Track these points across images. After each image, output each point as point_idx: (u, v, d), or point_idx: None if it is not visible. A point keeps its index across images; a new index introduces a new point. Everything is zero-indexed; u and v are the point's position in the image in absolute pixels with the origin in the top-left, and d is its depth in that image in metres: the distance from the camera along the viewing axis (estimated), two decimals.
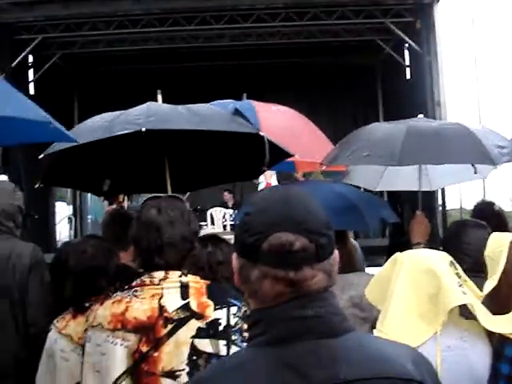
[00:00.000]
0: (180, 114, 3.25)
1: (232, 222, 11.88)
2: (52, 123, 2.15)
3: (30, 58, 12.49)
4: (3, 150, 11.54)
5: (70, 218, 14.88)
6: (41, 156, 3.62)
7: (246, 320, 1.30)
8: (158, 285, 2.11)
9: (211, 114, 3.48)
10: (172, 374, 2.01)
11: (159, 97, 3.79)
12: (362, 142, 3.57)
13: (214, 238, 3.06)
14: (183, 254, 2.20)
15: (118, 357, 2.04)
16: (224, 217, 11.82)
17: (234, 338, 2.03)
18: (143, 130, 3.01)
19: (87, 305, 2.67)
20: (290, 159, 4.47)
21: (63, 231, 14.57)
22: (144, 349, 2.03)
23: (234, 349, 2.00)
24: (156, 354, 2.02)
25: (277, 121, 4.40)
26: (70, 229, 14.50)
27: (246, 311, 2.08)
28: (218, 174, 4.46)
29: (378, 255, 6.42)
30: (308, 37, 13.09)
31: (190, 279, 2.14)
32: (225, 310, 2.07)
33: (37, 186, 4.05)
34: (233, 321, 2.06)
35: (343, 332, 1.22)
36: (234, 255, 1.30)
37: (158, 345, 2.02)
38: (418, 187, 3.91)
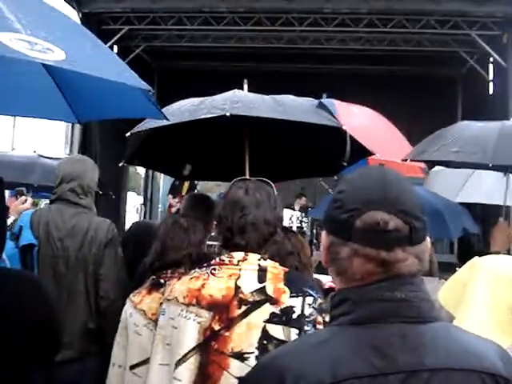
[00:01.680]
0: (265, 103, 3.24)
1: (298, 225, 11.89)
2: (151, 91, 2.15)
3: (115, 49, 12.79)
4: (84, 126, 11.91)
5: (139, 208, 15.20)
6: (128, 134, 3.67)
7: (331, 299, 1.26)
8: (236, 265, 2.11)
9: (296, 105, 3.46)
10: (240, 356, 1.99)
11: (245, 86, 3.79)
12: (451, 138, 3.48)
13: (284, 229, 3.07)
14: (265, 237, 2.18)
15: (190, 332, 2.05)
16: (291, 219, 11.81)
17: (306, 328, 1.99)
18: (228, 114, 3.02)
19: (162, 281, 2.69)
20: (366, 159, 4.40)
21: (132, 219, 14.89)
22: (216, 327, 2.03)
23: None
24: (227, 334, 2.01)
25: (357, 119, 4.33)
26: (139, 217, 14.82)
27: (321, 303, 2.05)
28: (298, 168, 4.42)
29: (445, 272, 6.24)
30: (390, 44, 12.90)
31: (269, 264, 2.12)
32: (300, 298, 2.04)
33: (121, 164, 4.12)
34: (307, 311, 2.02)
35: (431, 319, 1.19)
36: (324, 233, 1.27)
37: (231, 325, 2.02)
38: (503, 201, 3.77)
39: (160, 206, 15.58)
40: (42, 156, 7.81)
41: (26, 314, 1.88)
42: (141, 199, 16.66)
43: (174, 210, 13.17)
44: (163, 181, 15.62)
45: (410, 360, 1.12)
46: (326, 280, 3.99)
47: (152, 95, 2.22)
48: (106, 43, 11.81)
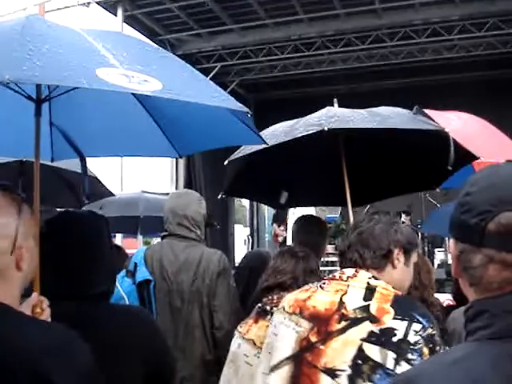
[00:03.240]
0: (361, 115, 3.18)
1: None
2: (249, 113, 2.16)
3: None
4: (187, 161, 12.26)
5: (246, 239, 15.36)
6: (225, 162, 3.70)
7: (465, 313, 1.16)
8: (345, 281, 2.10)
9: (392, 113, 3.36)
10: (332, 372, 1.94)
11: (336, 104, 3.74)
12: None
13: None
14: (382, 255, 2.16)
15: (288, 340, 2.05)
16: None
17: (410, 357, 1.86)
18: (326, 129, 2.97)
19: (268, 308, 2.67)
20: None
21: (240, 251, 15.07)
22: (313, 339, 2.01)
23: (404, 366, 1.84)
24: (322, 347, 1.98)
25: (455, 123, 4.13)
26: (247, 249, 14.96)
27: (432, 334, 1.92)
28: (398, 184, 4.27)
29: None
30: (487, 49, 12.43)
31: (380, 284, 2.06)
32: (405, 322, 1.93)
33: (219, 196, 4.13)
34: (413, 338, 1.89)
35: None
36: (452, 241, 1.17)
37: (327, 339, 1.99)
38: None
39: (267, 235, 15.69)
40: (145, 192, 8.14)
41: (136, 348, 1.91)
42: (247, 231, 16.85)
43: (280, 238, 13.21)
44: (267, 211, 15.75)
45: None
46: (444, 298, 3.83)
47: (250, 116, 2.22)
48: None
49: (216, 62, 13.00)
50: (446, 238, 11.67)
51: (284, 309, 2.15)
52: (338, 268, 2.23)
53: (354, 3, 10.85)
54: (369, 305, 1.99)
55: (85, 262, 1.96)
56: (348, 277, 2.10)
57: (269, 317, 2.63)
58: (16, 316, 1.42)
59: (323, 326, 2.01)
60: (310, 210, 10.90)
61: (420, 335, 1.89)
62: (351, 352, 1.93)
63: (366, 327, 1.95)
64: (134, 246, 9.56)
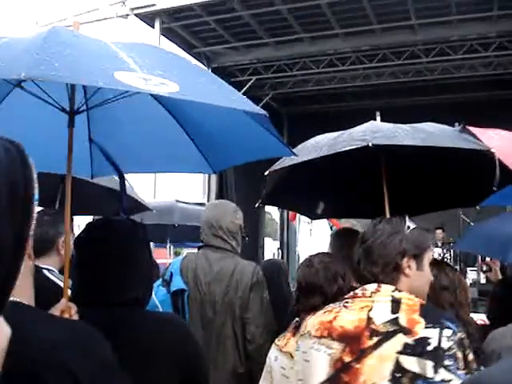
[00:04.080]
0: (404, 131, 3.14)
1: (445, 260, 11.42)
2: (266, 115, 2.17)
3: None
4: (219, 174, 12.32)
5: (275, 252, 15.35)
6: (266, 173, 3.72)
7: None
8: (369, 297, 2.08)
9: (437, 130, 3.32)
10: None
11: (378, 118, 3.72)
12: None
13: (440, 262, 2.94)
14: (395, 265, 2.14)
15: (321, 364, 2.01)
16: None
17: (447, 363, 1.85)
18: (370, 144, 2.95)
19: None
20: None
21: None
22: (347, 359, 1.97)
23: (444, 374, 1.84)
24: (358, 366, 1.95)
25: (497, 142, 4.08)
26: None
27: (462, 338, 1.92)
28: (439, 200, 4.24)
29: None
30: None
31: (404, 295, 2.05)
32: (437, 329, 1.92)
33: (257, 205, 4.15)
34: (446, 344, 1.89)
35: None
36: None
37: (362, 356, 1.95)
38: None
39: (297, 249, 15.65)
40: (179, 201, 8.20)
41: (168, 353, 1.91)
42: (277, 244, 16.84)
43: None
44: (298, 224, 15.72)
45: None
46: (477, 317, 3.77)
47: (268, 119, 2.23)
48: None
49: (251, 75, 13.09)
50: (479, 257, 11.52)
51: (310, 334, 2.11)
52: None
53: (389, 19, 10.83)
54: (397, 317, 1.97)
55: (120, 269, 1.96)
56: (372, 292, 2.09)
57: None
58: (34, 312, 1.43)
59: (355, 344, 1.98)
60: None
61: (452, 340, 1.89)
62: (388, 366, 1.91)
63: (400, 340, 1.93)
64: (163, 256, 9.63)
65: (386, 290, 2.07)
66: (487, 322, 3.67)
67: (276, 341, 2.79)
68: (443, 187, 4.05)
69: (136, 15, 10.70)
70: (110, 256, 1.96)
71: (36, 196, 0.96)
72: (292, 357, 2.61)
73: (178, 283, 3.38)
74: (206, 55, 12.45)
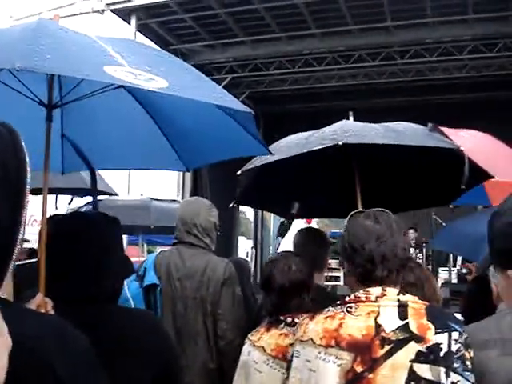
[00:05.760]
0: (375, 130, 3.18)
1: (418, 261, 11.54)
2: (252, 113, 2.17)
3: None
4: (194, 172, 12.31)
5: (249, 251, 15.39)
6: (238, 173, 3.72)
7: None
8: (374, 302, 1.98)
9: (407, 129, 3.36)
10: None
11: (351, 118, 3.75)
12: None
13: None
14: (403, 264, 2.08)
15: (330, 375, 1.92)
16: None
17: (455, 365, 1.83)
18: (340, 143, 2.98)
19: (282, 318, 2.68)
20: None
21: None
22: (359, 369, 1.89)
23: (453, 377, 1.82)
24: (371, 376, 1.87)
25: (468, 142, 4.14)
26: (251, 260, 14.97)
27: (466, 337, 1.93)
28: (411, 199, 4.26)
29: None
30: (498, 69, 12.46)
31: (409, 298, 1.99)
32: (446, 334, 1.89)
33: (231, 205, 4.14)
34: (454, 347, 1.87)
35: None
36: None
37: (374, 366, 1.88)
38: None
39: (271, 248, 15.69)
40: (153, 199, 8.13)
41: (141, 350, 1.89)
42: (251, 243, 16.87)
43: None
44: (273, 224, 15.76)
45: None
46: None
47: (252, 117, 2.24)
48: None
49: (227, 73, 13.10)
50: (451, 257, 11.69)
51: (314, 341, 2.01)
52: (342, 283, 2.18)
53: (365, 20, 10.93)
54: (407, 323, 1.92)
55: (93, 266, 1.93)
56: (377, 297, 1.99)
57: (282, 325, 2.65)
58: (15, 307, 1.43)
59: (366, 353, 1.90)
60: (313, 225, 10.93)
61: (460, 342, 1.88)
62: (403, 375, 1.86)
63: (413, 348, 1.88)
64: (136, 254, 9.57)
65: (392, 293, 2.00)
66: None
67: (249, 336, 2.79)
68: (415, 186, 4.09)
69: (112, 11, 10.63)
70: (82, 254, 1.92)
71: (28, 180, 0.95)
72: (265, 351, 2.62)
73: (151, 278, 3.38)
74: (182, 52, 12.40)
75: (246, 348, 2.75)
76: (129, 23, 10.74)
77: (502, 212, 1.82)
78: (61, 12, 10.44)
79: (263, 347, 2.64)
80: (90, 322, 1.75)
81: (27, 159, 0.95)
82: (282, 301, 2.71)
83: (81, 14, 10.72)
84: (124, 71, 1.69)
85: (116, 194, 5.45)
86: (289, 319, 2.65)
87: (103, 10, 10.60)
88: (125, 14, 10.76)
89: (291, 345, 2.48)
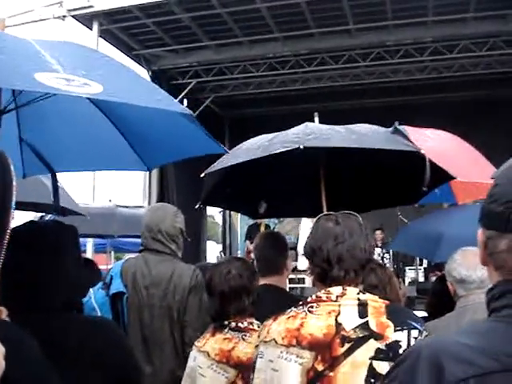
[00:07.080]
0: (338, 133, 3.21)
1: (380, 261, 11.63)
2: (192, 115, 2.18)
3: (185, 102, 13.17)
4: (160, 175, 12.22)
5: (218, 256, 15.34)
6: (202, 174, 3.71)
7: (489, 292, 1.22)
8: (335, 301, 2.02)
9: (369, 132, 3.39)
10: None
11: (316, 119, 3.78)
12: None
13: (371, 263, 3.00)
14: (362, 264, 2.11)
15: (292, 374, 1.95)
16: None
17: None
18: (301, 147, 2.99)
19: (226, 322, 2.69)
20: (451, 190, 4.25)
21: None
22: (319, 367, 1.92)
23: None
24: (332, 374, 1.91)
25: (432, 142, 4.19)
26: None
27: (426, 336, 1.96)
28: (376, 199, 4.31)
29: None
30: (459, 70, 12.68)
31: (369, 297, 2.03)
32: (405, 332, 1.93)
33: (197, 206, 4.12)
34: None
35: None
36: (480, 230, 1.26)
37: (335, 364, 1.91)
38: None
39: (239, 252, 15.68)
40: (119, 206, 8.04)
41: (96, 359, 1.87)
42: (220, 247, 16.84)
43: (252, 255, 13.20)
44: (240, 228, 15.76)
45: None
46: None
47: (194, 118, 2.25)
48: (176, 97, 12.32)
49: (191, 78, 13.05)
50: (417, 257, 11.80)
51: (277, 342, 2.04)
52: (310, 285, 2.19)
53: (328, 23, 11.01)
54: (367, 321, 1.95)
55: (45, 275, 1.91)
56: (337, 296, 2.03)
57: (226, 330, 2.66)
58: None
59: (326, 352, 1.93)
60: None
61: (420, 340, 1.91)
62: (363, 373, 1.89)
63: (372, 345, 1.91)
64: (103, 262, 9.48)
65: (352, 292, 2.03)
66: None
67: (196, 342, 2.79)
68: (380, 186, 4.14)
69: (73, 17, 10.50)
70: (33, 263, 1.90)
71: (13, 203, 0.94)
72: (209, 355, 2.63)
73: (117, 286, 3.35)
74: (145, 58, 12.33)
75: (193, 354, 2.76)
76: (91, 29, 10.62)
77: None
78: (20, 19, 10.30)
79: (208, 352, 2.65)
80: (41, 331, 1.72)
81: (14, 183, 0.94)
82: (222, 305, 2.72)
83: (41, 20, 10.56)
84: (57, 77, 1.67)
85: (81, 214, 5.37)
86: (233, 324, 2.67)
87: (64, 16, 10.46)
88: (86, 20, 10.63)
89: (234, 348, 2.57)
